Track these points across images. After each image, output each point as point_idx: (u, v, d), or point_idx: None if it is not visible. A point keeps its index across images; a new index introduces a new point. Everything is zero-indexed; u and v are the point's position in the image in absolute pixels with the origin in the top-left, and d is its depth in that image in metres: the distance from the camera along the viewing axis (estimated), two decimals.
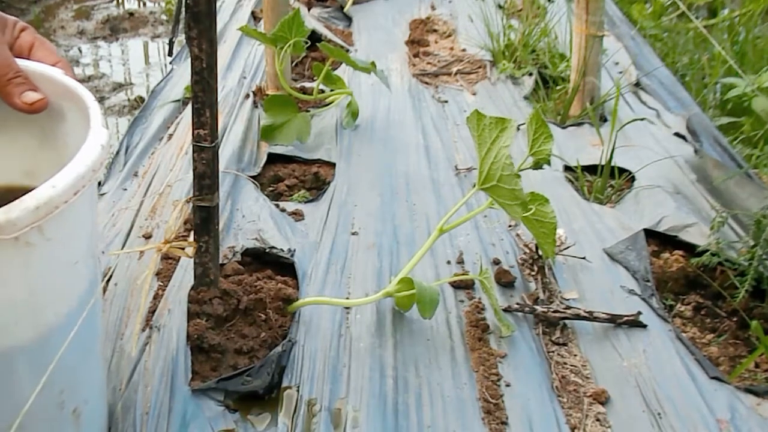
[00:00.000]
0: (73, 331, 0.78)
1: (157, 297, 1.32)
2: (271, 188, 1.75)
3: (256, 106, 2.08)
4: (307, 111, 1.99)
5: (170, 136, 1.98)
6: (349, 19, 3.00)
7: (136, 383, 1.12)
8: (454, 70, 2.46)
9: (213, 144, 1.11)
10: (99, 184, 1.86)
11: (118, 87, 2.90)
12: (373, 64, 2.03)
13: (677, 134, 1.97)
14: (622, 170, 1.80)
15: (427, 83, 2.37)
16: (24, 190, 0.70)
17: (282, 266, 1.41)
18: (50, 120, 0.92)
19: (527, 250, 1.48)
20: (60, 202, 0.71)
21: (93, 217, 0.86)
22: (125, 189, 1.71)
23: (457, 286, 1.38)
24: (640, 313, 1.30)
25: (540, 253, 1.44)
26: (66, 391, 0.83)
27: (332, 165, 1.83)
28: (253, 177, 1.74)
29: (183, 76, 2.37)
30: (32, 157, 0.96)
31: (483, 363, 1.19)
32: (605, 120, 2.10)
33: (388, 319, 1.29)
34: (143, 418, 1.05)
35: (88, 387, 0.90)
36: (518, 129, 1.95)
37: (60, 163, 0.92)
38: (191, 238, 1.18)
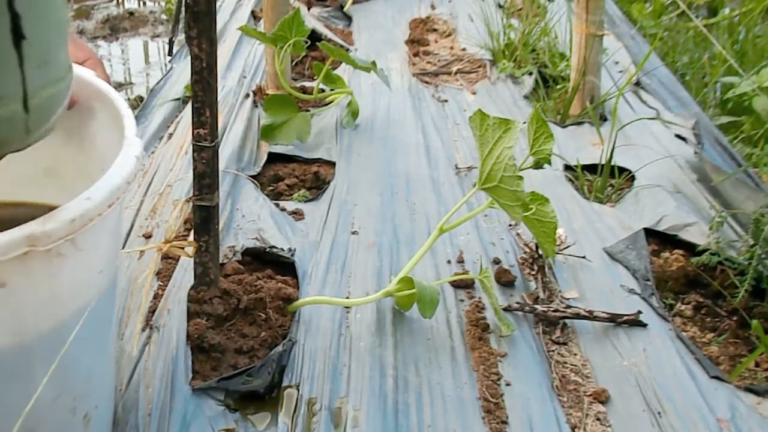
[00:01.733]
0: (85, 330, 0.78)
1: (157, 297, 1.32)
2: (271, 188, 1.75)
3: (256, 106, 2.08)
4: (307, 110, 1.99)
5: (170, 135, 1.98)
6: (349, 18, 2.99)
7: (137, 383, 1.12)
8: (454, 69, 2.46)
9: (213, 143, 1.11)
10: None
11: (118, 86, 2.90)
12: (373, 63, 2.03)
13: (678, 136, 1.97)
14: (622, 169, 1.80)
15: (427, 82, 2.37)
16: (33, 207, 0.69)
17: (282, 266, 1.41)
18: (78, 119, 0.91)
19: (527, 250, 1.48)
20: (95, 214, 0.71)
21: (120, 226, 0.86)
22: None
23: (457, 285, 1.38)
24: (640, 312, 1.30)
25: (540, 252, 1.44)
26: (79, 397, 0.83)
27: (332, 164, 1.83)
28: (253, 176, 1.74)
29: (182, 74, 2.37)
30: (55, 154, 0.95)
31: (483, 362, 1.19)
32: (605, 119, 2.10)
33: (388, 319, 1.29)
34: (145, 419, 1.05)
35: (99, 392, 0.90)
36: None
37: (84, 162, 0.92)
38: (191, 238, 1.18)
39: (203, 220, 1.16)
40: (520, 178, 1.19)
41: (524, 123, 1.24)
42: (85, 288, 0.78)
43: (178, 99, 2.18)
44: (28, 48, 0.52)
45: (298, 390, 1.13)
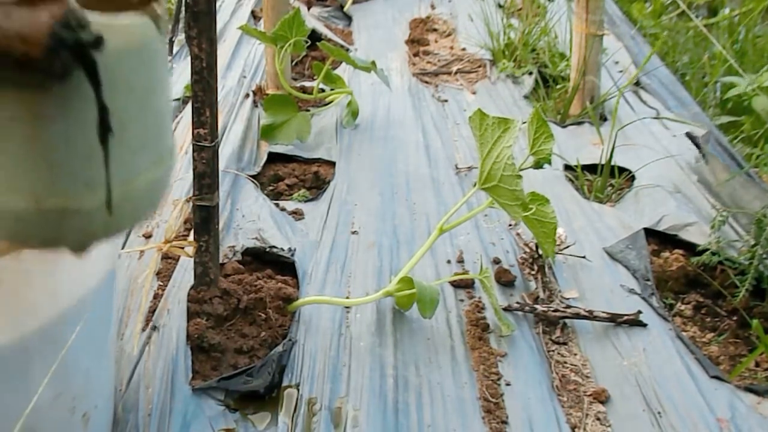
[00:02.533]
0: (84, 329, 0.78)
1: (157, 296, 1.32)
2: (271, 187, 1.75)
3: (256, 106, 2.08)
4: (307, 110, 1.99)
5: None
6: (349, 18, 2.99)
7: (137, 383, 1.11)
8: (454, 69, 2.46)
9: (213, 143, 1.11)
10: None
11: None
12: (373, 63, 2.03)
13: (689, 135, 1.96)
14: (622, 169, 1.80)
15: (427, 82, 2.37)
16: None
17: (282, 265, 1.41)
18: None
19: (527, 250, 1.48)
20: None
21: None
22: None
23: (457, 285, 1.38)
24: (640, 312, 1.30)
25: (540, 252, 1.44)
26: (78, 396, 0.84)
27: (332, 164, 1.83)
28: (253, 176, 1.74)
29: (182, 74, 2.37)
30: None
31: (483, 362, 1.19)
32: (605, 119, 2.10)
33: (388, 319, 1.29)
34: (145, 419, 1.05)
35: (98, 391, 0.90)
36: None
37: None
38: (191, 238, 1.18)
39: (203, 220, 1.16)
40: (519, 177, 1.19)
41: (524, 123, 1.23)
42: (81, 287, 0.78)
43: (178, 99, 2.18)
44: (117, 143, 0.46)
45: (298, 390, 1.13)
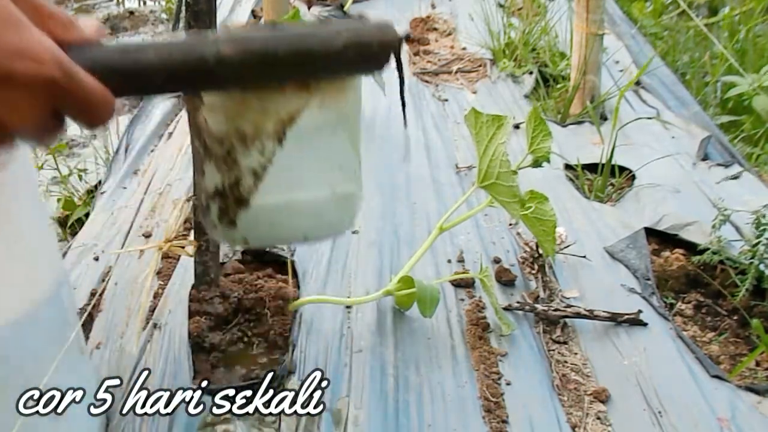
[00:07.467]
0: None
1: (157, 296, 1.32)
2: None
3: None
4: None
5: (170, 134, 1.98)
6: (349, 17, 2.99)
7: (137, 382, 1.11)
8: (455, 68, 2.46)
9: None
10: (99, 182, 1.86)
11: None
12: None
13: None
14: (622, 169, 1.80)
15: (427, 82, 2.37)
16: None
17: (282, 265, 1.41)
18: None
19: (528, 249, 1.48)
20: None
21: (35, 201, 0.85)
22: (125, 187, 1.71)
23: (457, 284, 1.38)
24: (640, 311, 1.30)
25: (540, 251, 1.44)
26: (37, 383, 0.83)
27: None
28: None
29: None
30: None
31: (483, 361, 1.19)
32: (605, 118, 2.09)
33: (388, 318, 1.29)
34: (145, 418, 1.05)
35: (65, 380, 0.90)
36: (518, 127, 1.95)
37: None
38: (192, 237, 1.18)
39: None
40: (515, 173, 1.19)
41: (523, 122, 1.23)
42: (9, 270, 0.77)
43: (178, 97, 2.18)
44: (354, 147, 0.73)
45: None
